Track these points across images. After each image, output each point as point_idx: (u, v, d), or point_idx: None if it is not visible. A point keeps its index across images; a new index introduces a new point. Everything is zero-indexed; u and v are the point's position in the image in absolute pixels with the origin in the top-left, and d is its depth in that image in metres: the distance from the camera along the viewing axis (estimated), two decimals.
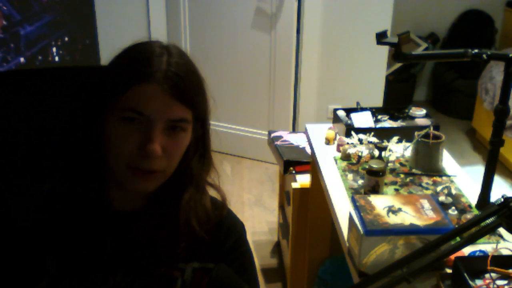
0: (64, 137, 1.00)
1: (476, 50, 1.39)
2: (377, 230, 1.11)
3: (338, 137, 1.86)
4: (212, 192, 1.07)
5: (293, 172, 2.25)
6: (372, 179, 1.48)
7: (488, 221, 0.89)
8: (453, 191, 1.53)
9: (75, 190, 0.97)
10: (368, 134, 1.79)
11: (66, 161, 0.99)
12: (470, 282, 1.07)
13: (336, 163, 1.73)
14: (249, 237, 2.88)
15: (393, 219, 1.13)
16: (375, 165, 1.47)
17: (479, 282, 1.13)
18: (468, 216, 1.40)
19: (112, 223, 0.96)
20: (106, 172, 0.97)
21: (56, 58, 3.19)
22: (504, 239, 1.30)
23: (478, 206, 1.45)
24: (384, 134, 1.80)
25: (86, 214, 0.94)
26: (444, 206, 1.44)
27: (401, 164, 1.69)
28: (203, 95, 0.98)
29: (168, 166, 0.94)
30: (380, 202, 1.20)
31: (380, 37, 1.49)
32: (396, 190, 1.55)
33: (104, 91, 0.92)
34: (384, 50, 3.29)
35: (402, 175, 1.63)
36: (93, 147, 0.94)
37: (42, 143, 1.15)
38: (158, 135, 0.90)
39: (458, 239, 0.97)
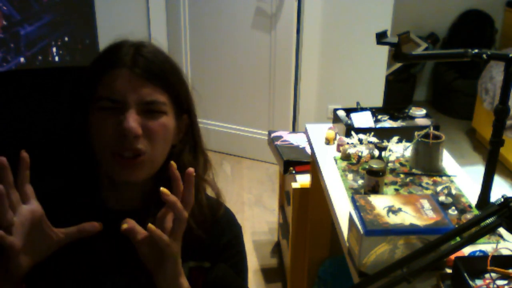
0: (62, 137, 1.01)
1: (476, 50, 1.39)
2: (377, 230, 1.11)
3: (338, 137, 1.86)
4: (208, 191, 1.07)
5: (293, 172, 2.25)
6: (372, 179, 1.48)
7: (488, 221, 0.89)
8: (453, 191, 1.53)
9: (72, 190, 0.97)
10: (368, 134, 1.79)
11: (65, 161, 0.99)
12: (470, 282, 1.07)
13: (336, 163, 1.73)
14: (249, 237, 2.88)
15: (393, 219, 1.13)
16: (375, 165, 1.47)
17: (479, 282, 1.13)
18: (468, 216, 1.40)
19: (109, 223, 0.96)
20: (99, 170, 0.98)
21: (56, 58, 3.19)
22: (504, 239, 1.30)
23: (478, 206, 1.45)
24: (384, 134, 1.80)
25: (83, 215, 0.94)
26: (444, 206, 1.44)
27: (401, 164, 1.69)
28: (180, 80, 0.99)
29: (152, 149, 0.94)
30: (380, 202, 1.20)
31: (380, 37, 1.49)
32: (396, 190, 1.55)
33: (84, 88, 0.95)
34: (384, 50, 3.28)
35: (402, 175, 1.63)
36: (83, 146, 0.96)
37: (41, 143, 1.15)
38: (132, 114, 0.90)
39: (458, 239, 0.97)
